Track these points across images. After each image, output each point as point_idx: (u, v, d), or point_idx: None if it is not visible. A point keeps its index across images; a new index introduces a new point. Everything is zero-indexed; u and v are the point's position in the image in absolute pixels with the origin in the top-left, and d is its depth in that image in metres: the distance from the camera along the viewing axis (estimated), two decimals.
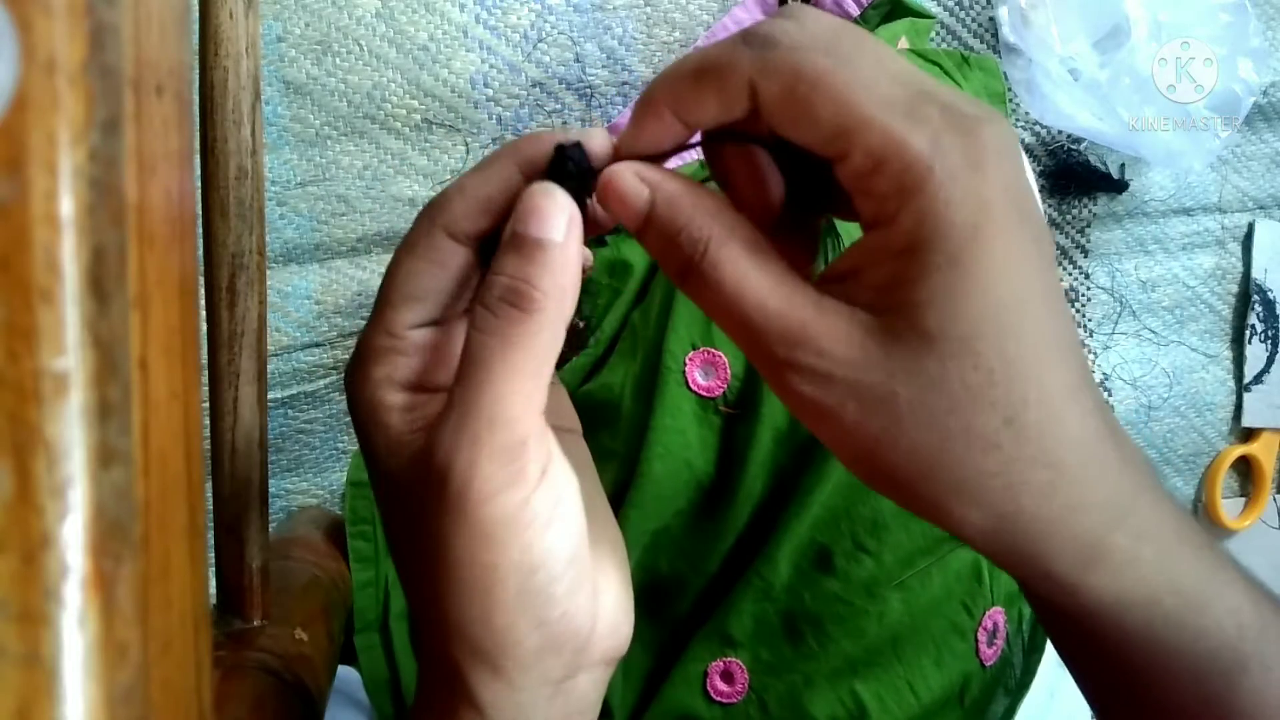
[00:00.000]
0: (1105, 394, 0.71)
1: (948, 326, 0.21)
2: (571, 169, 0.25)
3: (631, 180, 0.25)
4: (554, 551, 0.24)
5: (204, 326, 0.38)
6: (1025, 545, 0.23)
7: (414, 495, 0.25)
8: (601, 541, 0.27)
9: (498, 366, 0.23)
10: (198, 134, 0.37)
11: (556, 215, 0.24)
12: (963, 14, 0.64)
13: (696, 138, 0.26)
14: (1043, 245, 0.22)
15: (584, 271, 0.26)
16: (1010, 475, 0.22)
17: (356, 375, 0.26)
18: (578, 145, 0.25)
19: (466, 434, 0.23)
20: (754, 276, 0.23)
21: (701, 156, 0.59)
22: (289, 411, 0.61)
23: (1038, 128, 0.67)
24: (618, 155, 0.26)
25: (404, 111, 0.60)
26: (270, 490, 0.46)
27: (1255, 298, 0.70)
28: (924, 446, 0.22)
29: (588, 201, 0.26)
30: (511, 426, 0.23)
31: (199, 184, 0.37)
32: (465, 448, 0.23)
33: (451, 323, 0.27)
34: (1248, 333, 0.70)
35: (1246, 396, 0.71)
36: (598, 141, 0.25)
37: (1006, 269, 0.21)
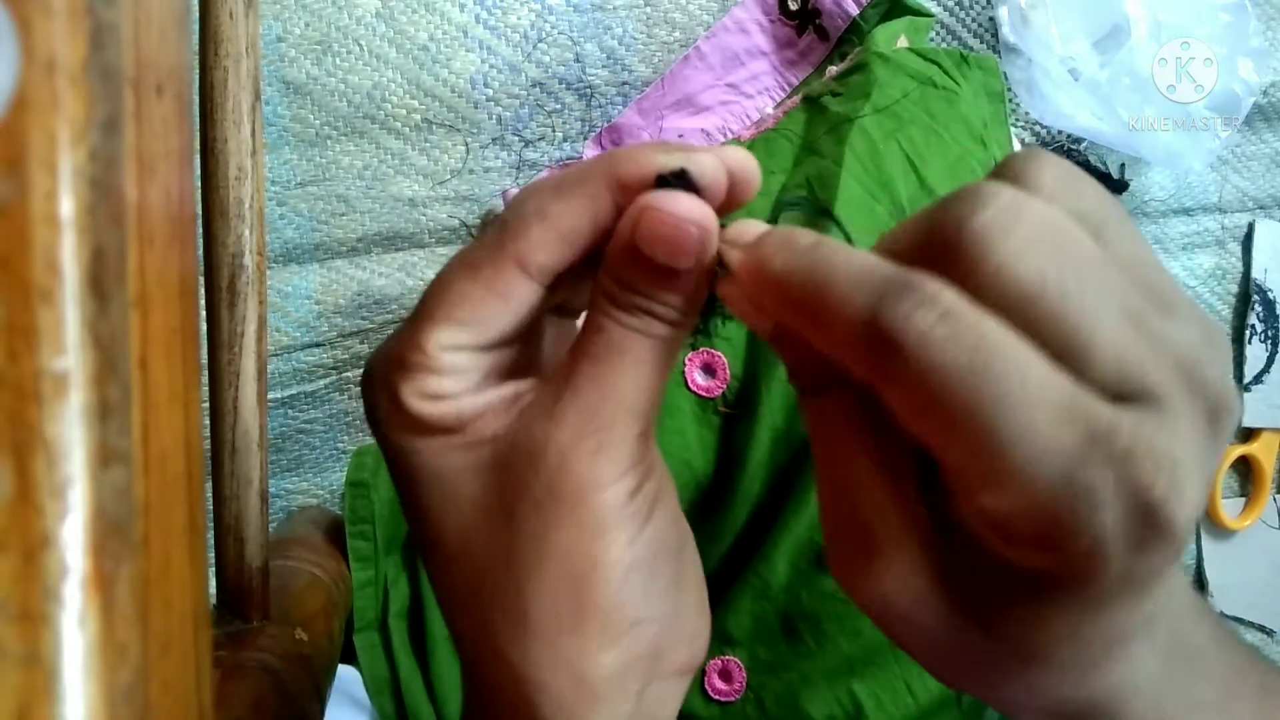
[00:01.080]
0: None
1: (1030, 644, 0.20)
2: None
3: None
4: (656, 544, 0.23)
5: (204, 326, 0.38)
6: None
7: (495, 493, 0.23)
8: (686, 545, 0.26)
9: (638, 358, 0.22)
10: (198, 134, 0.37)
11: (690, 243, 0.21)
12: (962, 14, 0.64)
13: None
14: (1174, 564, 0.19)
15: None
16: None
17: (381, 381, 0.24)
18: (684, 174, 0.22)
19: (598, 420, 0.22)
20: (862, 459, 0.21)
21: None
22: (289, 411, 0.61)
23: (1038, 128, 0.67)
24: (728, 194, 0.23)
25: (404, 111, 0.60)
26: (270, 490, 0.46)
27: (1255, 298, 0.70)
28: (956, 662, 0.21)
29: None
30: (640, 418, 0.23)
31: (199, 184, 0.37)
32: (592, 434, 0.22)
33: (498, 348, 0.24)
34: (1248, 333, 0.70)
35: (1246, 396, 0.71)
36: (708, 169, 0.22)
37: (1124, 617, 0.20)
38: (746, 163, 0.23)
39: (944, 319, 0.17)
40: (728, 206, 0.23)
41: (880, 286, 0.18)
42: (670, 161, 0.22)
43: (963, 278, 0.18)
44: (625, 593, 0.23)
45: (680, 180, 0.22)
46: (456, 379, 0.23)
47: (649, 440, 0.24)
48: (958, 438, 0.17)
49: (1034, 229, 0.18)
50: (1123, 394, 0.17)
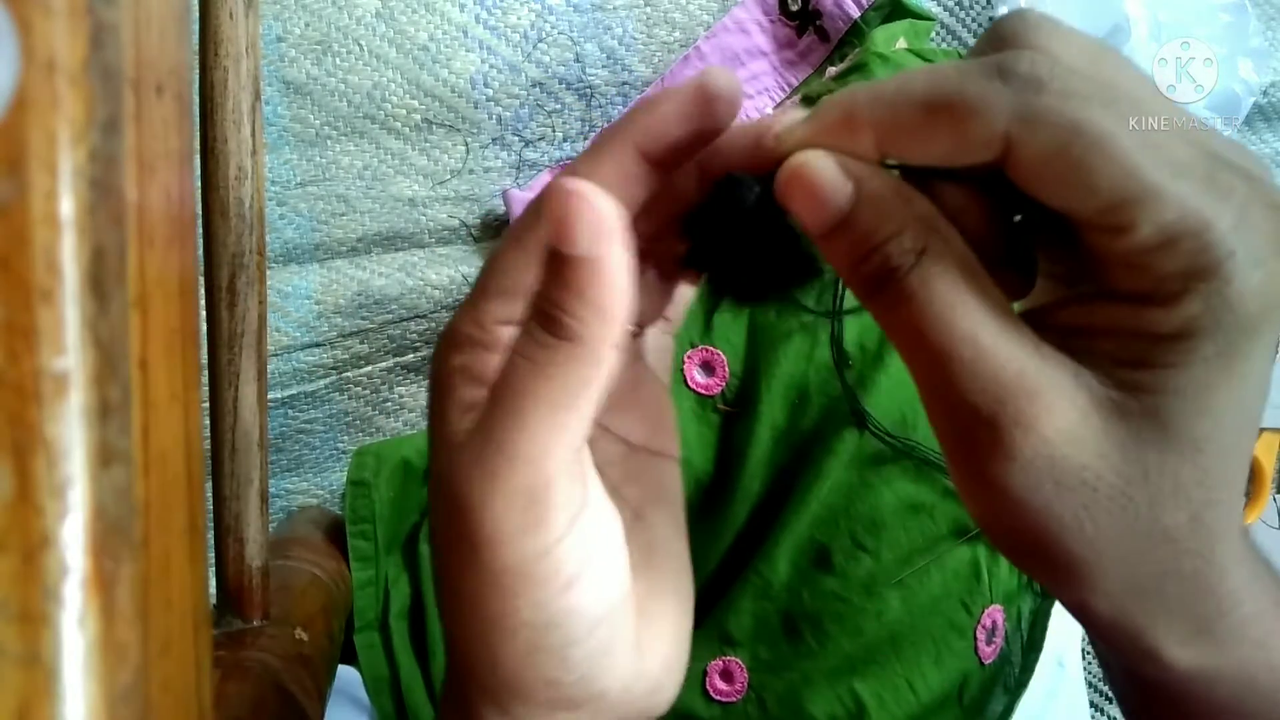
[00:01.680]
0: None
1: (1190, 424, 0.19)
2: (736, 195, 0.21)
3: (832, 172, 0.20)
4: (577, 612, 0.21)
5: (204, 326, 0.38)
6: (1140, 620, 0.21)
7: (445, 517, 0.22)
8: (663, 592, 0.25)
9: (527, 396, 0.20)
10: (198, 134, 0.37)
11: (578, 226, 0.19)
12: (963, 14, 0.64)
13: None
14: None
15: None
16: (1167, 564, 0.20)
17: (438, 358, 0.23)
18: (738, 179, 0.21)
19: (484, 467, 0.20)
20: (969, 302, 0.20)
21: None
22: (289, 411, 0.61)
23: None
24: (771, 151, 0.21)
25: (404, 111, 0.60)
26: (270, 490, 0.46)
27: None
28: (1105, 533, 0.20)
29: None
30: (535, 465, 0.20)
31: (199, 184, 0.37)
32: (479, 481, 0.20)
33: None
34: None
35: None
36: (690, 105, 0.21)
37: (1262, 367, 0.19)
38: (716, 80, 0.21)
39: (1059, 63, 0.18)
40: (712, 125, 0.22)
41: (991, 59, 0.19)
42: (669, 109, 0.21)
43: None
44: (538, 656, 0.21)
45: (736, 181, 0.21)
46: (502, 357, 0.22)
47: (572, 487, 0.21)
48: (1108, 163, 0.18)
49: (1074, 33, 0.20)
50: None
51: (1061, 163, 0.18)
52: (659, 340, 0.28)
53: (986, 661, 0.50)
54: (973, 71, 0.19)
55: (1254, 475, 0.71)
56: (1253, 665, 0.22)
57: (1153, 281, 0.19)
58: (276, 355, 0.60)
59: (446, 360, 0.23)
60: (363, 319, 0.61)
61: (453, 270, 0.61)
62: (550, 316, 0.20)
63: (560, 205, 0.19)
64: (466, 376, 0.22)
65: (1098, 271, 0.20)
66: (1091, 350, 0.20)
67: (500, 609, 0.21)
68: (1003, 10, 0.61)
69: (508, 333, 0.22)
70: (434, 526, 0.23)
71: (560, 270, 0.20)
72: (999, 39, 0.20)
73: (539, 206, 0.22)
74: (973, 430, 0.20)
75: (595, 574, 0.22)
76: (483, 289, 0.23)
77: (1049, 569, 0.21)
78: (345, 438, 0.62)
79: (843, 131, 0.21)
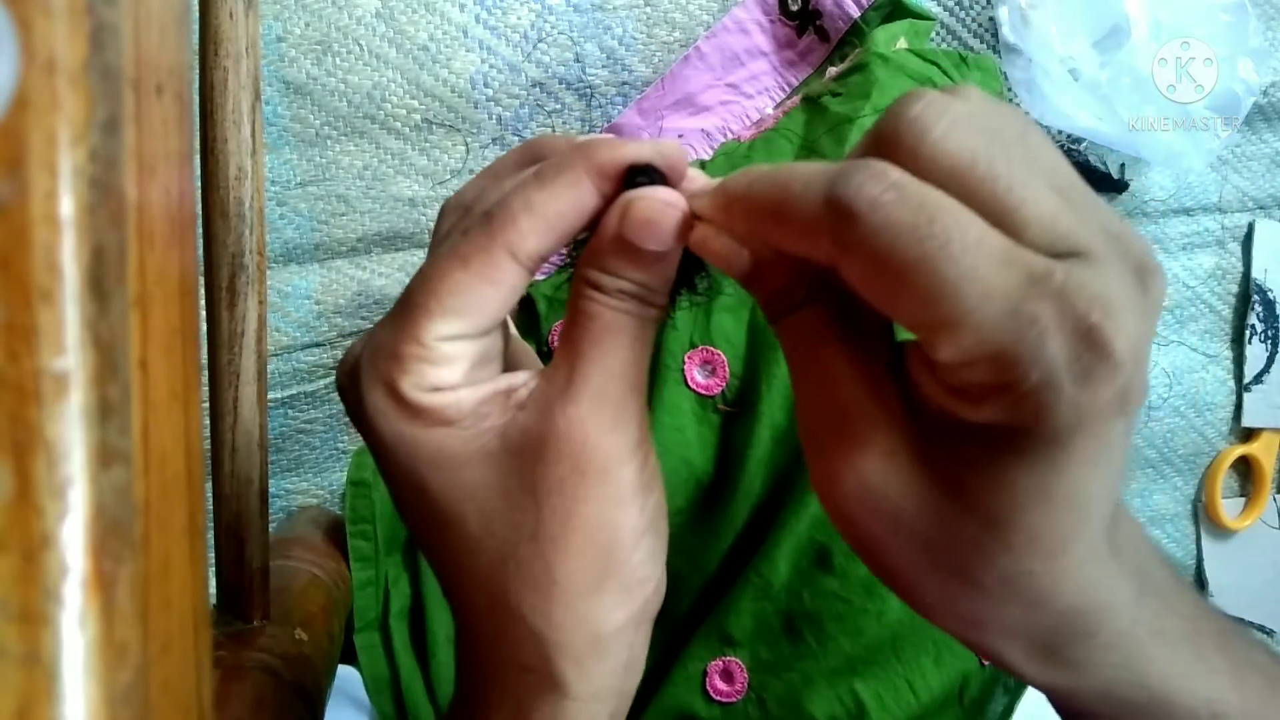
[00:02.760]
0: None
1: (987, 499, 0.21)
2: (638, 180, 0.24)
3: (725, 245, 0.24)
4: (658, 510, 0.26)
5: (204, 326, 0.38)
6: (974, 635, 0.23)
7: (505, 476, 0.24)
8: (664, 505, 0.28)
9: (633, 337, 0.24)
10: (198, 134, 0.37)
11: (672, 226, 0.24)
12: (963, 14, 0.64)
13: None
14: (1130, 429, 0.21)
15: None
16: (981, 601, 0.22)
17: (369, 378, 0.25)
18: (652, 169, 0.24)
19: (610, 399, 0.24)
20: (828, 344, 0.23)
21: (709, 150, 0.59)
22: (289, 411, 0.61)
23: None
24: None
25: (404, 111, 0.60)
26: (270, 490, 0.46)
27: (1255, 298, 0.70)
28: (915, 560, 0.22)
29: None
30: (641, 393, 0.25)
31: (199, 184, 0.37)
32: (609, 413, 0.24)
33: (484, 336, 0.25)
34: (1248, 333, 0.70)
35: (1246, 396, 0.71)
36: (673, 156, 0.24)
37: (1088, 477, 0.20)
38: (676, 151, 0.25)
39: (892, 186, 0.19)
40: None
41: (832, 172, 0.20)
42: (641, 151, 0.24)
43: (903, 161, 0.20)
44: (639, 555, 0.25)
45: (650, 173, 0.24)
46: (452, 369, 0.24)
47: (646, 414, 0.26)
48: (913, 290, 0.19)
49: (963, 115, 0.20)
50: (1055, 252, 0.19)
51: (872, 287, 0.20)
52: None
53: (987, 662, 0.50)
54: (812, 185, 0.20)
55: (1254, 475, 0.71)
56: (1118, 686, 0.23)
57: (958, 383, 0.20)
58: (276, 355, 0.60)
59: (396, 379, 0.24)
60: (363, 319, 0.61)
61: None
62: (638, 297, 0.24)
63: (661, 214, 0.24)
64: (424, 389, 0.24)
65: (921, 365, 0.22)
66: (928, 399, 0.22)
67: (626, 519, 0.24)
68: (1003, 10, 0.61)
69: (451, 349, 0.24)
70: (431, 520, 0.25)
71: (649, 264, 0.24)
72: (892, 113, 0.21)
73: (488, 230, 0.24)
74: (817, 439, 0.23)
75: (659, 480, 0.26)
76: (424, 308, 0.24)
77: (877, 572, 0.24)
78: (345, 438, 0.62)
79: (723, 214, 0.24)
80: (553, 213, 0.24)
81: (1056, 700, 0.25)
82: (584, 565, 0.24)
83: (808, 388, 0.24)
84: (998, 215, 0.19)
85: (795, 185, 0.21)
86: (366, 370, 0.25)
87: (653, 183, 0.24)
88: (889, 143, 0.20)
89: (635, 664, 0.26)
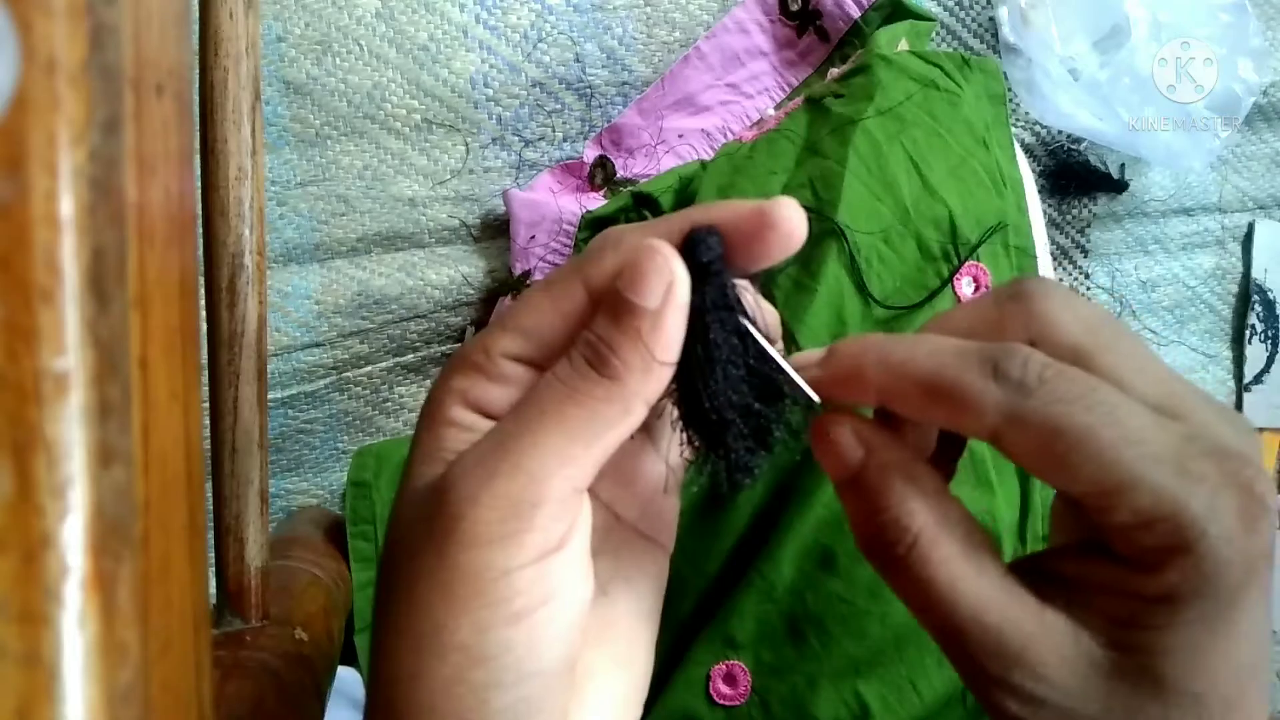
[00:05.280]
0: None
1: (1186, 680, 0.21)
2: (703, 259, 0.22)
3: (847, 438, 0.23)
4: (512, 652, 0.21)
5: (204, 326, 0.38)
6: None
7: (412, 519, 0.22)
8: (607, 676, 0.25)
9: (550, 415, 0.21)
10: (198, 134, 0.37)
11: (654, 278, 0.21)
12: (963, 14, 0.64)
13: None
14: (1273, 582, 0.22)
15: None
16: None
17: (441, 378, 0.24)
18: (712, 233, 0.22)
19: (485, 466, 0.21)
20: (971, 580, 0.22)
21: (705, 152, 0.59)
22: (289, 411, 0.61)
23: (1038, 128, 0.67)
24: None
25: (404, 111, 0.60)
26: (270, 490, 0.46)
27: (1255, 298, 0.70)
28: None
29: (730, 296, 0.22)
30: (533, 483, 0.21)
31: (199, 184, 0.37)
32: (475, 477, 0.21)
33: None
34: (1248, 333, 0.70)
35: (1246, 396, 0.71)
36: (744, 220, 0.22)
37: (1254, 627, 0.21)
38: (779, 209, 0.22)
39: (1051, 364, 0.21)
40: (764, 251, 0.22)
41: (989, 350, 0.21)
42: (707, 216, 0.22)
43: (1034, 343, 0.22)
44: (458, 689, 0.21)
45: (708, 237, 0.22)
46: (504, 390, 0.23)
47: (557, 521, 0.21)
48: (1085, 455, 0.20)
49: (1082, 304, 0.22)
50: (1175, 417, 0.21)
51: (1046, 456, 0.21)
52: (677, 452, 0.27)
53: None
54: (971, 365, 0.21)
55: None
56: None
57: (1137, 552, 0.21)
58: (276, 355, 0.60)
59: (448, 380, 0.23)
60: (363, 319, 0.61)
61: (453, 270, 0.61)
62: (598, 353, 0.21)
63: (643, 258, 0.21)
64: (462, 399, 0.23)
65: (1095, 527, 0.22)
66: (1089, 605, 0.22)
67: (441, 620, 0.20)
68: (1003, 10, 0.61)
69: (512, 367, 0.23)
70: (394, 534, 0.23)
71: (621, 315, 0.21)
72: (1013, 296, 0.23)
73: (585, 263, 0.23)
74: (992, 696, 0.22)
75: (544, 621, 0.21)
76: (502, 322, 0.23)
77: None
78: (345, 438, 0.62)
79: (849, 383, 0.23)
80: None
81: None
82: (406, 648, 0.21)
83: (955, 636, 0.22)
84: (1122, 386, 0.21)
85: (950, 365, 0.22)
86: (442, 371, 0.24)
87: (708, 248, 0.22)
88: (1013, 320, 0.22)
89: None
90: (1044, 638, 0.21)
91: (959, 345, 0.22)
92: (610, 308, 0.21)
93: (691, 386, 0.22)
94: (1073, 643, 0.21)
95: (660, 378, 0.21)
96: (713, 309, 0.22)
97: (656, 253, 0.21)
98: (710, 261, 0.22)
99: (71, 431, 0.15)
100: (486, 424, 0.23)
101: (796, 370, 0.23)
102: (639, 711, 0.26)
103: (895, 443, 0.23)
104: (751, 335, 0.23)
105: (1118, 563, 0.21)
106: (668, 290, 0.21)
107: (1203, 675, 0.21)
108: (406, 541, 0.22)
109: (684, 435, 0.23)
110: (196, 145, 0.37)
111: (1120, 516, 0.20)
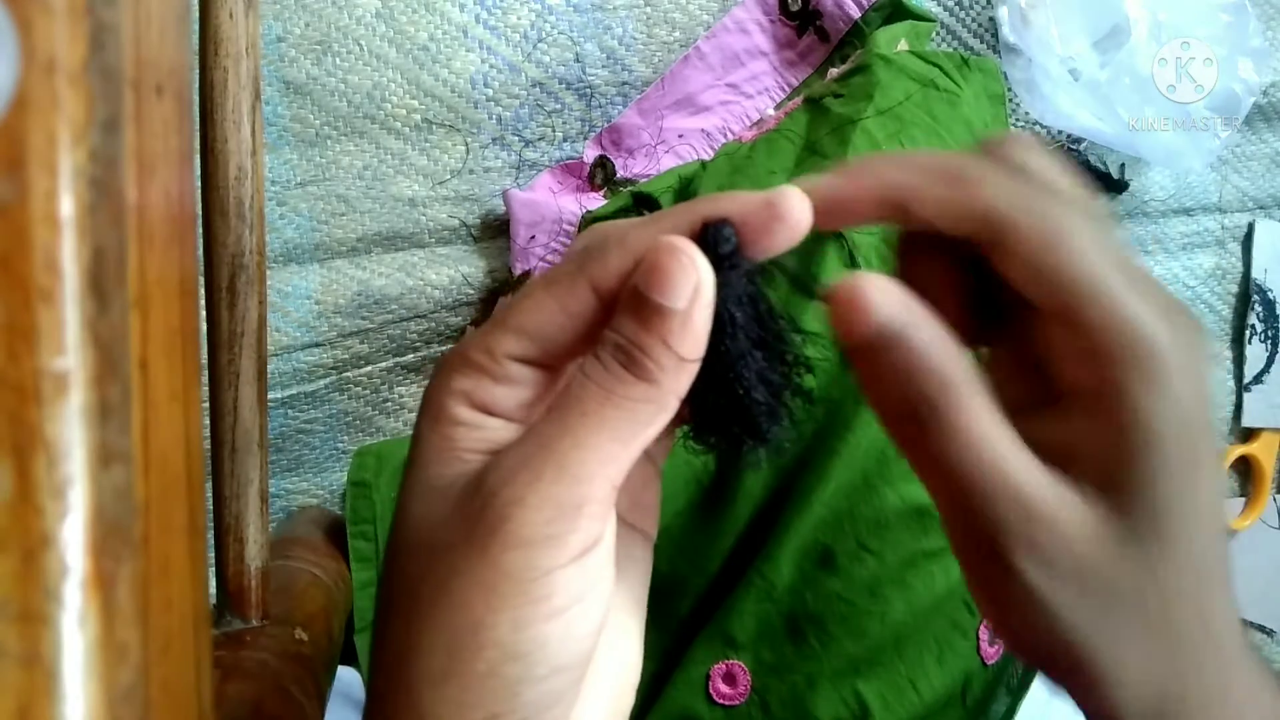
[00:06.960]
0: None
1: (1177, 525, 0.22)
2: (722, 251, 0.22)
3: (890, 300, 0.22)
4: (547, 647, 0.21)
5: (204, 326, 0.38)
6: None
7: (443, 518, 0.22)
8: (608, 668, 0.25)
9: (592, 417, 0.21)
10: (198, 134, 0.37)
11: (680, 279, 0.21)
12: (963, 14, 0.64)
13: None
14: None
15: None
16: (1185, 666, 0.22)
17: (440, 377, 0.24)
18: (725, 224, 0.22)
19: (529, 469, 0.21)
20: (999, 440, 0.22)
21: (706, 152, 0.59)
22: (289, 411, 0.61)
23: (1037, 128, 0.67)
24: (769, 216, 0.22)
25: (404, 111, 0.60)
26: (270, 490, 0.46)
27: (1255, 298, 0.70)
28: (1127, 635, 0.22)
29: (742, 289, 0.22)
30: (578, 484, 0.21)
31: (199, 184, 0.37)
32: (521, 482, 0.21)
33: (553, 371, 0.24)
34: (1248, 333, 0.70)
35: (1246, 396, 0.71)
36: (752, 213, 0.22)
37: (1214, 469, 0.22)
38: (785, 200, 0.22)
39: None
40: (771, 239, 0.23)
41: (988, 144, 0.24)
42: (718, 208, 0.22)
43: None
44: (490, 682, 0.21)
45: (721, 229, 0.22)
46: (509, 392, 0.23)
47: (595, 522, 0.22)
48: (1076, 256, 0.22)
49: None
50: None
51: (1040, 246, 0.22)
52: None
53: (990, 662, 0.49)
54: (977, 155, 0.24)
55: (1254, 475, 0.71)
56: None
57: (1100, 376, 0.22)
58: (276, 355, 0.60)
59: (449, 380, 0.23)
60: (363, 319, 0.61)
61: (453, 270, 0.61)
62: (630, 356, 0.21)
63: (665, 258, 0.21)
64: (466, 400, 0.23)
65: (1055, 377, 0.23)
66: (1086, 470, 0.22)
67: (480, 617, 0.21)
68: (1003, 10, 0.61)
69: (515, 368, 0.23)
70: (413, 534, 0.23)
71: (649, 317, 0.21)
72: (991, 147, 0.24)
73: (588, 262, 0.23)
74: (1009, 557, 0.22)
75: (579, 616, 0.22)
76: (503, 321, 0.23)
77: (1076, 674, 0.23)
78: (345, 438, 0.62)
79: (859, 181, 0.23)
80: (643, 249, 0.22)
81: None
82: (438, 648, 0.21)
83: (973, 499, 0.22)
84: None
85: (966, 156, 0.23)
86: (438, 371, 0.24)
87: (725, 240, 0.22)
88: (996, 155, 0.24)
89: None
90: (1058, 495, 0.22)
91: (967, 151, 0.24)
92: (635, 310, 0.21)
93: (714, 376, 0.23)
94: (1082, 499, 0.22)
95: (691, 372, 0.22)
96: (735, 302, 0.22)
97: (681, 252, 0.21)
98: (729, 254, 0.22)
99: (71, 432, 0.15)
100: (496, 422, 0.23)
101: (816, 191, 0.23)
102: (631, 699, 0.26)
103: (928, 313, 0.23)
104: (772, 320, 0.23)
105: (1081, 405, 0.22)
106: (695, 290, 0.21)
107: (1190, 519, 0.22)
108: (433, 541, 0.22)
109: (695, 422, 0.24)
110: (196, 145, 0.37)
111: (1095, 325, 0.21)
